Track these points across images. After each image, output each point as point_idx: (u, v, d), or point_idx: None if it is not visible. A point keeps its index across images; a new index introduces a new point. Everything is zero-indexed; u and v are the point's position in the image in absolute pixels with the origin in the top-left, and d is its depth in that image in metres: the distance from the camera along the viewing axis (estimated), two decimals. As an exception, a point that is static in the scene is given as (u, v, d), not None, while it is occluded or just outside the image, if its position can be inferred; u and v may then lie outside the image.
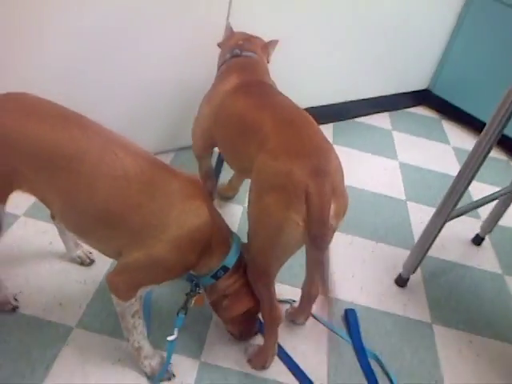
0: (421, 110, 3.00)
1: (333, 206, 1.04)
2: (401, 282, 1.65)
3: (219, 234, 1.12)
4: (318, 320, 1.46)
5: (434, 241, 1.54)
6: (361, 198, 2.07)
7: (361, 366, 1.35)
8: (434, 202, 2.08)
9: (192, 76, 1.83)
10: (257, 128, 1.16)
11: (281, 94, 1.32)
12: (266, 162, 1.09)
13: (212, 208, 1.10)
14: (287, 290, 1.50)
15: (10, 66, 1.47)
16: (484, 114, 2.66)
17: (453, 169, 2.45)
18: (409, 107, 2.97)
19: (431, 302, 1.62)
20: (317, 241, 1.03)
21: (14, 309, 1.27)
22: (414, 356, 1.42)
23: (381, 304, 1.57)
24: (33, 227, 1.54)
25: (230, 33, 1.58)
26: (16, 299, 1.29)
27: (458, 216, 1.55)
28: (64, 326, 1.27)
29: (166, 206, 1.02)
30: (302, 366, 1.30)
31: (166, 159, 1.98)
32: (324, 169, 1.06)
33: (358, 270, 1.69)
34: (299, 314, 1.42)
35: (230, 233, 1.17)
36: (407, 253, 1.62)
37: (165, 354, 1.18)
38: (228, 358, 1.30)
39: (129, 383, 1.18)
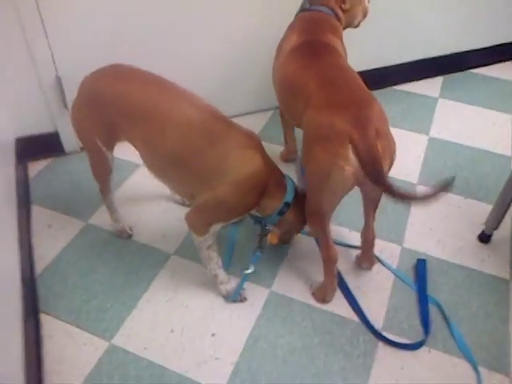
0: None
1: (379, 148, 1.13)
2: (483, 237, 1.64)
3: (274, 178, 1.29)
4: (385, 266, 1.55)
5: (515, 196, 1.49)
6: (458, 153, 2.01)
7: (420, 311, 1.42)
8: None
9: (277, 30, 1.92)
10: (302, 88, 1.30)
11: (333, 52, 1.39)
12: (311, 116, 1.23)
13: (265, 156, 1.26)
14: (353, 236, 1.60)
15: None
16: None
17: None
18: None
19: (515, 260, 1.59)
20: (373, 177, 1.14)
21: (129, 236, 1.61)
22: (480, 308, 1.44)
23: (456, 257, 1.59)
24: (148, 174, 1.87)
25: None
26: (131, 229, 1.62)
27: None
28: (164, 253, 1.58)
29: (224, 153, 1.20)
30: (361, 304, 1.43)
31: (264, 118, 2.16)
32: (365, 116, 1.16)
33: (439, 224, 1.71)
34: (363, 259, 1.53)
35: (283, 175, 1.33)
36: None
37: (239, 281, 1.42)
38: (294, 290, 1.48)
39: (208, 301, 1.44)
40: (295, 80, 1.37)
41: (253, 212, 1.34)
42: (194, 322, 1.40)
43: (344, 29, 1.62)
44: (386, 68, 2.33)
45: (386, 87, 2.38)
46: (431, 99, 2.33)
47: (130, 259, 1.56)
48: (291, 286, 1.49)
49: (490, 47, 2.51)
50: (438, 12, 2.26)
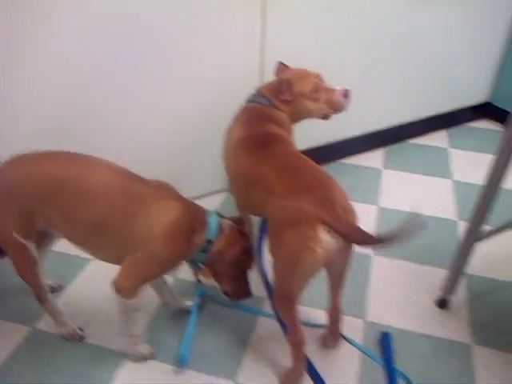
0: (482, 124, 2.91)
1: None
2: (441, 303, 1.66)
3: (195, 217, 1.32)
4: (351, 343, 1.52)
5: (466, 261, 1.54)
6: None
7: (389, 388, 1.39)
8: (493, 220, 2.04)
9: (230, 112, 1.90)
10: (260, 179, 1.32)
11: (281, 140, 1.42)
12: (277, 203, 1.24)
13: (182, 200, 1.31)
14: (318, 314, 1.58)
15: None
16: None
17: (513, 182, 2.35)
18: (469, 122, 2.90)
19: (473, 323, 1.60)
20: (367, 242, 1.17)
21: (82, 338, 1.52)
22: (449, 377, 1.43)
23: (419, 327, 1.59)
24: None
25: (279, 69, 1.64)
26: (81, 330, 1.53)
27: (487, 236, 1.54)
28: (119, 353, 1.48)
29: (144, 209, 1.23)
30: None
31: (220, 198, 2.18)
32: (329, 195, 1.19)
33: (398, 293, 1.72)
34: (330, 337, 1.50)
35: (204, 212, 1.36)
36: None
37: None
38: (262, 379, 1.42)
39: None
40: (250, 173, 1.38)
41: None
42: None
43: (294, 121, 1.59)
44: (332, 144, 2.44)
45: (334, 161, 2.48)
46: (376, 170, 2.44)
47: (82, 364, 1.45)
48: (258, 376, 1.43)
49: (424, 118, 2.70)
50: (375, 89, 2.42)
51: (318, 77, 1.58)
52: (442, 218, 2.09)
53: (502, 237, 1.94)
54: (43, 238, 1.48)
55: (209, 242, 1.32)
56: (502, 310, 1.65)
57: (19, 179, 1.25)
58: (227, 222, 1.37)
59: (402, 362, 1.47)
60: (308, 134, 2.21)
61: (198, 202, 2.06)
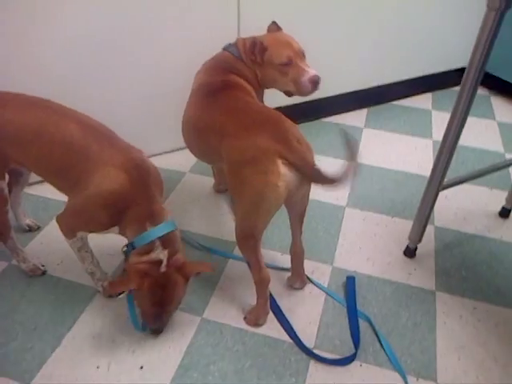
0: (469, 88, 2.90)
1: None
2: (409, 252, 1.69)
3: (137, 210, 1.25)
4: (316, 285, 1.56)
5: (431, 209, 1.57)
6: (384, 176, 2.11)
7: (350, 326, 1.44)
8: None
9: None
10: (211, 123, 1.35)
11: (234, 87, 1.43)
12: (231, 143, 1.26)
13: (139, 183, 1.25)
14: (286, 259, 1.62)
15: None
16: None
17: (493, 143, 2.38)
18: (454, 86, 2.90)
19: (439, 271, 1.64)
20: (317, 179, 1.19)
21: (44, 273, 1.56)
22: (409, 320, 1.47)
23: (385, 273, 1.63)
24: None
25: (271, 30, 1.61)
26: (43, 265, 1.57)
27: (452, 185, 1.57)
28: (92, 289, 1.52)
29: (93, 167, 1.24)
30: (294, 325, 1.43)
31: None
32: (283, 130, 1.22)
33: (368, 242, 1.76)
34: (295, 278, 1.54)
35: (160, 216, 1.27)
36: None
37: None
38: (226, 316, 1.46)
39: (137, 335, 1.39)
40: (200, 119, 1.41)
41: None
42: (121, 356, 1.34)
43: (262, 84, 1.56)
44: (313, 101, 2.44)
45: (314, 120, 2.48)
46: (357, 129, 2.45)
47: (55, 297, 1.50)
48: (223, 313, 1.47)
49: (408, 80, 2.70)
50: (360, 48, 2.42)
51: (297, 52, 1.51)
52: (418, 175, 2.12)
53: (469, 192, 1.99)
54: (17, 177, 1.54)
55: (132, 246, 1.27)
56: (466, 260, 1.69)
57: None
58: (165, 253, 1.26)
59: (365, 305, 1.51)
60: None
61: (176, 155, 2.10)
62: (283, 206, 1.30)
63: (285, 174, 1.18)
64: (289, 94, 1.58)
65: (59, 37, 1.71)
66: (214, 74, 1.50)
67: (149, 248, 1.26)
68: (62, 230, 1.35)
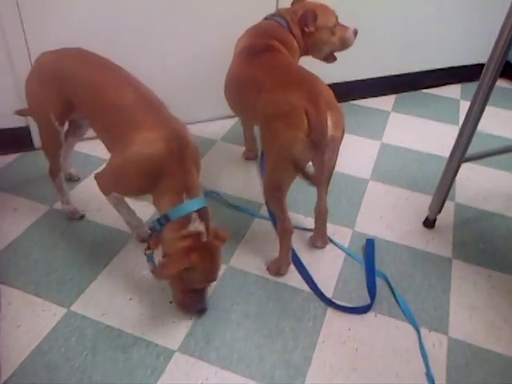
0: (499, 82, 2.92)
1: (330, 118, 1.28)
2: (428, 223, 1.76)
3: (173, 180, 1.24)
4: (336, 245, 1.64)
5: (452, 180, 1.63)
6: (407, 156, 2.17)
7: (367, 282, 1.51)
8: (487, 162, 2.13)
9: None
10: (251, 80, 1.45)
11: (276, 51, 1.53)
12: (268, 98, 1.36)
13: (177, 154, 1.24)
14: (309, 221, 1.70)
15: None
16: None
17: (519, 134, 2.41)
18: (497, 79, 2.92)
19: (457, 242, 1.70)
20: (318, 143, 1.27)
21: (82, 217, 1.70)
22: (424, 281, 1.54)
23: (403, 239, 1.70)
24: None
25: (297, 1, 1.74)
26: (83, 211, 1.71)
27: (472, 159, 1.63)
28: (126, 233, 1.64)
29: (136, 131, 1.27)
30: (313, 277, 1.51)
31: (231, 122, 2.30)
32: (316, 91, 1.30)
33: (388, 212, 1.82)
34: (317, 237, 1.62)
35: (196, 190, 1.27)
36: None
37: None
38: (250, 265, 1.55)
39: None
40: (242, 75, 1.52)
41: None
42: (152, 291, 1.45)
43: (305, 53, 1.72)
44: (345, 83, 2.52)
45: (344, 101, 2.56)
46: (385, 113, 2.52)
47: (93, 239, 1.62)
48: (247, 263, 1.56)
49: (439, 69, 2.74)
50: (394, 34, 2.49)
51: (335, 13, 1.69)
52: (442, 157, 2.16)
53: (491, 174, 2.04)
54: (76, 129, 1.71)
55: (166, 217, 1.24)
56: (484, 234, 1.74)
57: (69, 74, 1.41)
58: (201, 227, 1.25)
59: (382, 266, 1.58)
60: (322, 71, 2.31)
61: (212, 124, 2.20)
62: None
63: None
64: (328, 58, 1.75)
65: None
66: (258, 38, 1.60)
67: (185, 221, 1.23)
68: (99, 187, 1.42)
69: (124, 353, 1.28)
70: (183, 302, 1.35)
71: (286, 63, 1.47)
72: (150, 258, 1.34)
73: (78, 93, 1.41)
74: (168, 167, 1.24)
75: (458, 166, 1.60)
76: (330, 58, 1.77)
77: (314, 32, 1.66)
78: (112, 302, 1.41)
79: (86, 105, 1.42)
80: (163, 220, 1.25)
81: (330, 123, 1.28)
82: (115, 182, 1.38)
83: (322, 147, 1.28)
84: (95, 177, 1.43)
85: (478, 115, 1.49)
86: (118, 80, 1.39)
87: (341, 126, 1.34)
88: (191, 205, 1.24)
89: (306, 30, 1.65)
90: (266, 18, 1.72)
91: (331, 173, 1.47)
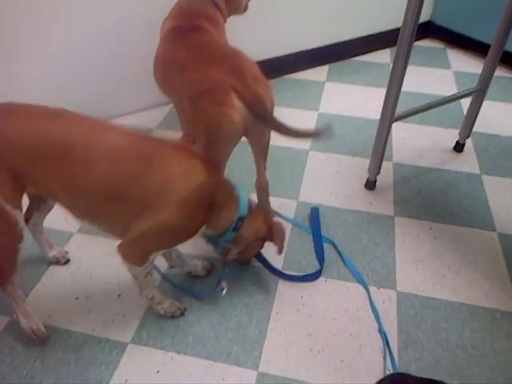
0: (426, 42, 3.02)
1: (259, 90, 1.25)
2: (369, 185, 1.79)
3: (222, 189, 1.19)
4: (282, 217, 1.65)
5: (386, 142, 1.67)
6: (345, 123, 2.20)
7: (315, 248, 1.53)
8: (420, 119, 2.19)
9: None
10: (174, 59, 1.42)
11: (202, 31, 1.49)
12: (191, 76, 1.32)
13: (207, 165, 1.16)
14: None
15: None
16: (486, 35, 2.65)
17: (449, 89, 2.49)
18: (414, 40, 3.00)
19: (397, 200, 1.75)
20: (261, 115, 1.25)
21: (44, 340, 1.26)
22: (370, 241, 1.57)
23: (347, 204, 1.73)
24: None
25: None
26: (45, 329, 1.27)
27: (401, 118, 1.67)
28: (67, 232, 1.57)
29: (163, 171, 1.08)
30: (263, 250, 1.50)
31: (166, 110, 2.25)
32: (239, 65, 1.28)
33: (331, 179, 1.85)
34: (262, 210, 1.62)
35: (233, 187, 1.23)
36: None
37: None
38: (198, 247, 1.53)
39: (113, 268, 1.46)
40: (166, 55, 1.48)
41: (203, 231, 1.21)
42: (98, 288, 1.41)
43: (229, 16, 1.73)
44: (276, 58, 2.51)
45: (277, 77, 2.56)
46: (319, 83, 2.54)
47: (33, 242, 1.54)
48: (195, 246, 1.54)
49: (367, 36, 2.79)
50: (321, 6, 2.49)
51: None
52: (377, 120, 2.20)
53: (425, 132, 2.11)
54: (39, 203, 1.32)
55: (241, 219, 1.21)
56: (423, 189, 1.80)
57: (9, 138, 1.04)
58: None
59: (329, 232, 1.60)
60: (255, 46, 2.30)
61: (143, 114, 2.14)
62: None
63: (239, 106, 1.24)
64: (245, 10, 1.82)
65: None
66: (184, 19, 1.55)
67: (251, 209, 1.24)
68: (129, 260, 1.15)
69: (75, 352, 1.24)
70: (249, 257, 1.42)
71: (208, 41, 1.44)
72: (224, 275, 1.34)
73: (30, 158, 1.04)
74: (216, 181, 1.18)
75: (390, 126, 1.64)
76: (245, 9, 1.81)
77: None
78: (57, 303, 1.36)
79: (48, 172, 1.06)
80: (239, 223, 1.22)
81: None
82: (162, 240, 1.15)
83: (267, 117, 1.26)
84: (122, 251, 1.14)
85: (400, 76, 1.52)
86: (87, 125, 1.08)
87: (269, 98, 1.32)
88: (242, 193, 1.24)
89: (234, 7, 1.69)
90: None
91: (267, 146, 1.46)
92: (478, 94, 1.86)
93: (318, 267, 1.47)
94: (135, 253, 1.15)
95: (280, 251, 1.32)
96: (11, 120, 1.05)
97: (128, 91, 2.16)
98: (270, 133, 1.41)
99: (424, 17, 2.95)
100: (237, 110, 1.24)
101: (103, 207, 1.09)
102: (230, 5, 1.71)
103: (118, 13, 1.97)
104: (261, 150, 1.48)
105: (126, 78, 2.12)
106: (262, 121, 1.27)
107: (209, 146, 1.34)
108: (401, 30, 1.46)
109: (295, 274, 1.45)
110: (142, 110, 2.24)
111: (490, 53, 1.75)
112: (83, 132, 1.07)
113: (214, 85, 1.25)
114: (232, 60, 1.31)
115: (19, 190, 1.08)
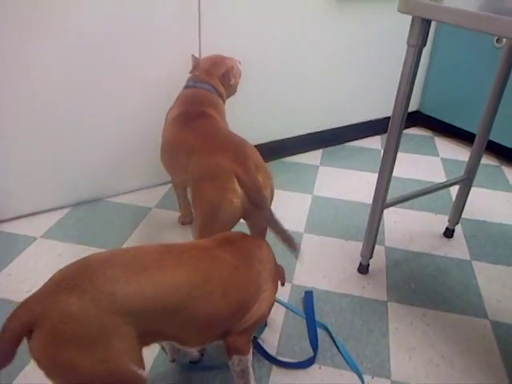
0: (414, 130, 3.18)
1: (259, 179, 1.33)
2: (362, 269, 1.82)
3: None
4: (276, 301, 1.65)
5: (378, 227, 1.72)
6: (338, 206, 2.27)
7: (308, 334, 1.53)
8: (411, 205, 2.27)
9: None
10: (182, 143, 1.51)
11: (209, 117, 1.60)
12: (197, 160, 1.41)
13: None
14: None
15: None
16: (471, 125, 2.82)
17: (437, 175, 2.60)
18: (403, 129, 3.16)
19: (390, 284, 1.77)
20: (259, 204, 1.31)
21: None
22: (363, 327, 1.58)
23: (340, 287, 1.75)
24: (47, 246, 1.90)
25: (195, 62, 1.87)
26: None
27: (393, 205, 1.74)
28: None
29: (255, 259, 1.21)
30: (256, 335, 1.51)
31: (164, 189, 2.33)
32: (244, 154, 1.37)
33: (324, 262, 1.88)
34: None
35: None
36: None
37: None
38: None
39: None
40: (174, 139, 1.57)
41: None
42: None
43: (227, 98, 1.90)
44: (274, 142, 2.64)
45: (275, 159, 2.67)
46: (314, 167, 2.64)
47: None
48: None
49: (360, 123, 2.95)
50: (317, 96, 2.67)
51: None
52: (369, 204, 2.28)
53: (416, 217, 2.18)
54: None
55: None
56: (414, 274, 1.83)
57: (129, 298, 0.92)
58: None
59: (322, 316, 1.61)
60: (254, 132, 2.45)
61: (144, 192, 2.21)
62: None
63: (240, 192, 1.32)
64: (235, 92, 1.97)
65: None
66: (190, 105, 1.67)
67: None
68: (241, 351, 1.16)
69: None
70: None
71: (215, 128, 1.54)
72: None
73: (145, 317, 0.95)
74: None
75: (381, 212, 1.70)
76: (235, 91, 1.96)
77: (231, 83, 1.87)
78: None
79: (167, 325, 1.00)
80: None
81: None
82: (265, 317, 1.25)
83: (264, 206, 1.32)
84: (237, 344, 1.15)
85: (391, 163, 1.60)
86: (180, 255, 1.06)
87: (269, 186, 1.40)
88: None
89: (231, 83, 1.86)
90: (189, 86, 1.80)
91: (265, 230, 1.52)
92: (466, 183, 1.95)
93: (311, 352, 1.46)
94: (245, 340, 1.17)
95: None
96: (114, 280, 0.91)
97: (126, 171, 2.24)
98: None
99: (412, 107, 3.14)
100: (238, 195, 1.31)
101: (229, 321, 1.12)
102: (228, 90, 1.89)
103: (123, 95, 2.10)
104: (258, 234, 1.53)
105: (125, 157, 2.21)
106: (258, 209, 1.33)
107: (205, 227, 1.39)
108: (391, 119, 1.55)
109: (289, 360, 1.43)
110: (140, 189, 2.31)
111: (475, 142, 1.85)
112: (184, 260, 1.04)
113: (218, 170, 1.33)
114: (237, 147, 1.39)
115: (139, 348, 0.97)
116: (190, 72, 1.88)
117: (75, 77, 1.92)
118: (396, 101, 1.52)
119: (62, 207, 2.13)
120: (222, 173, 1.33)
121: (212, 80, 1.81)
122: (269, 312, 1.25)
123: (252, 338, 1.22)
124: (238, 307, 1.11)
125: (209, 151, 1.40)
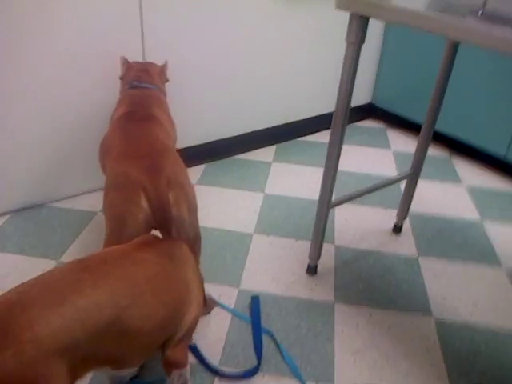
0: (367, 123, 3.19)
1: (171, 196, 1.24)
2: (310, 270, 1.81)
3: None
4: (222, 307, 1.63)
5: (325, 228, 1.71)
6: (290, 204, 2.25)
7: (253, 341, 1.51)
8: (361, 200, 2.27)
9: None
10: (108, 144, 1.45)
11: (150, 119, 1.51)
12: (111, 166, 1.34)
13: None
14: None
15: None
16: (422, 117, 2.84)
17: (389, 169, 2.61)
18: (356, 121, 3.18)
19: (338, 285, 1.77)
20: (162, 225, 1.23)
21: None
22: (309, 331, 1.57)
23: (288, 290, 1.73)
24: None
25: (127, 65, 1.81)
26: None
27: (339, 204, 1.73)
28: None
29: (180, 261, 1.18)
30: (200, 345, 1.47)
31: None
32: (157, 166, 1.27)
33: (273, 264, 1.86)
34: (200, 302, 1.60)
35: None
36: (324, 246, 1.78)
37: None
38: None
39: None
40: (108, 140, 1.49)
41: None
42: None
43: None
44: (225, 139, 2.59)
45: (227, 157, 2.62)
46: (266, 164, 2.61)
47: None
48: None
49: (313, 117, 2.93)
50: (269, 91, 2.63)
51: None
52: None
53: (366, 213, 2.18)
54: None
55: None
56: (362, 274, 1.83)
57: (52, 329, 0.85)
58: None
59: (269, 322, 1.59)
60: (203, 130, 2.39)
61: (74, 200, 2.11)
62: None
63: (146, 207, 1.22)
64: None
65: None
66: (140, 106, 1.58)
67: None
68: (181, 364, 1.15)
69: None
70: None
71: (147, 135, 1.43)
72: None
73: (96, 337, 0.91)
74: None
75: (327, 212, 1.69)
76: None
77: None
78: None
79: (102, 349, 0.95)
80: None
81: (170, 201, 1.23)
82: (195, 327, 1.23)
83: (168, 228, 1.23)
84: (177, 356, 1.14)
85: (335, 161, 1.58)
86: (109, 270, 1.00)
87: (184, 203, 1.29)
88: None
89: (167, 81, 1.90)
90: (135, 87, 1.71)
91: (196, 243, 1.42)
92: (412, 178, 1.96)
93: (255, 361, 1.44)
94: (184, 352, 1.14)
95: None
96: (32, 324, 0.81)
97: (69, 174, 2.15)
98: (194, 231, 1.38)
99: (365, 99, 3.15)
100: (143, 210, 1.23)
101: (169, 325, 1.09)
102: (164, 82, 1.88)
103: (62, 89, 2.00)
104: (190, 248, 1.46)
105: (67, 160, 2.12)
106: (161, 229, 1.23)
107: (114, 236, 1.30)
108: (333, 115, 1.51)
109: (232, 370, 1.41)
110: (83, 193, 2.22)
111: (421, 136, 1.85)
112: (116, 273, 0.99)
113: (126, 181, 1.25)
114: (155, 159, 1.29)
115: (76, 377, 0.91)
116: (122, 74, 1.81)
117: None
118: (338, 96, 1.48)
119: (1, 214, 2.03)
120: (130, 185, 1.23)
121: (154, 80, 1.77)
122: (200, 313, 1.22)
123: (187, 349, 1.19)
124: (174, 308, 1.08)
125: (123, 158, 1.30)
